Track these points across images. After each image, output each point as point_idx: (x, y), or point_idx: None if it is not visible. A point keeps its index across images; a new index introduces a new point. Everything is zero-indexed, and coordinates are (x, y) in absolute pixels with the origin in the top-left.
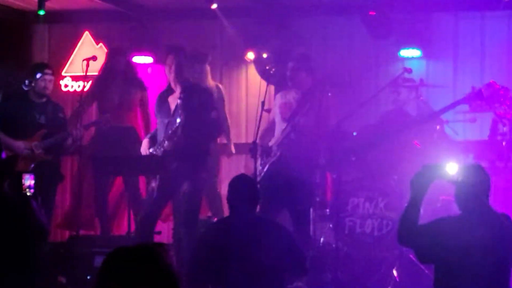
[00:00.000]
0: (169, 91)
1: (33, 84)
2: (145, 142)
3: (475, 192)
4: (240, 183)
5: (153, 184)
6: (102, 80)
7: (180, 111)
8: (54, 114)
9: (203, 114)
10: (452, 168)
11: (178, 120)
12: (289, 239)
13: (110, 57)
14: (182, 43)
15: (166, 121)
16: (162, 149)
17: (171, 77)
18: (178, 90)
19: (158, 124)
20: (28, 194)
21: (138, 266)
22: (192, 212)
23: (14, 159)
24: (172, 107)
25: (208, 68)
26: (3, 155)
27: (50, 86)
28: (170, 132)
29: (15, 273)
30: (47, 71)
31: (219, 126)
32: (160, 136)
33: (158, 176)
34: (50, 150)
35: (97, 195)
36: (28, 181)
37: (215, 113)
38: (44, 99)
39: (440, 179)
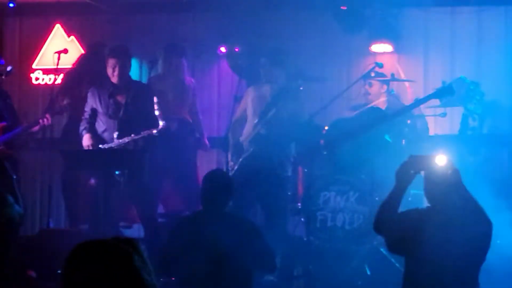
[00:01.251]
0: (113, 86)
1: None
2: (87, 137)
3: (444, 184)
4: (213, 178)
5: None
6: (74, 75)
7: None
8: (5, 102)
9: (148, 113)
10: (440, 160)
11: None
12: (259, 235)
13: (89, 53)
14: (155, 37)
15: (114, 117)
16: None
17: (114, 78)
18: (123, 88)
19: (101, 117)
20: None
21: (102, 262)
22: (149, 209)
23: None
24: (122, 102)
25: (184, 62)
26: None
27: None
28: (144, 135)
29: None
30: None
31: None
32: (107, 130)
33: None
34: (11, 144)
35: (65, 188)
36: None
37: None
38: None
39: (425, 171)
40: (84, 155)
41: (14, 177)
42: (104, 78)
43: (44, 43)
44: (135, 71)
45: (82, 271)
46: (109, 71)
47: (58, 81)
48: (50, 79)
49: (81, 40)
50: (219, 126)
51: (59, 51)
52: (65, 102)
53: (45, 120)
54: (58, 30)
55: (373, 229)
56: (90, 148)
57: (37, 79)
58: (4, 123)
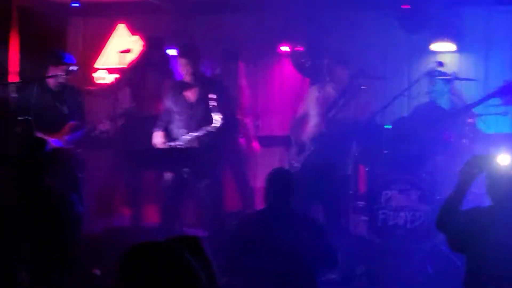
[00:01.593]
0: (185, 84)
1: (69, 76)
2: (159, 135)
3: (507, 183)
4: (276, 177)
5: (168, 177)
6: (137, 69)
7: (215, 113)
8: (74, 102)
9: (223, 112)
10: (503, 159)
11: (216, 122)
12: (321, 232)
13: (147, 47)
14: (216, 36)
15: (184, 114)
16: (183, 144)
17: (186, 77)
18: (194, 86)
19: (173, 114)
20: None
21: (154, 263)
22: (216, 207)
23: (59, 152)
24: (192, 100)
25: (241, 64)
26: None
27: (61, 76)
28: (203, 133)
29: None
30: (58, 62)
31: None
32: (177, 127)
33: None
34: (80, 142)
35: (129, 187)
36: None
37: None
38: (62, 87)
39: (487, 171)
40: (143, 155)
41: (79, 176)
42: (170, 74)
43: (107, 43)
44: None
45: (135, 273)
46: (181, 69)
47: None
48: (113, 78)
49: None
50: (281, 125)
51: (122, 51)
52: (127, 105)
53: (102, 125)
54: (121, 30)
55: (436, 227)
56: (159, 146)
57: (100, 78)
58: (73, 122)
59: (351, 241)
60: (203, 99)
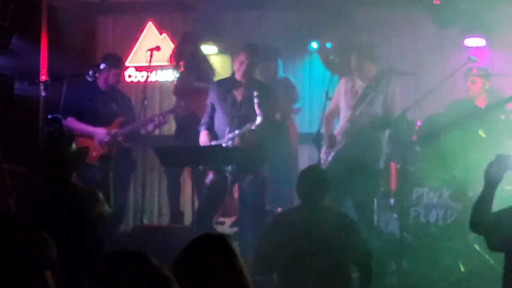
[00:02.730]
0: (234, 82)
1: (97, 75)
2: (204, 134)
3: None
4: (309, 174)
5: (210, 177)
6: (176, 65)
7: (257, 113)
8: (123, 102)
9: (270, 114)
10: None
11: (258, 120)
12: (357, 230)
13: (181, 42)
14: (246, 34)
15: (229, 113)
16: (228, 144)
17: (239, 73)
18: (243, 86)
19: (218, 113)
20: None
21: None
22: (259, 204)
23: (85, 151)
24: (238, 99)
25: (279, 62)
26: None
27: (118, 78)
28: (244, 131)
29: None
30: (111, 63)
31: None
32: (221, 126)
33: (214, 169)
34: (129, 137)
35: (168, 186)
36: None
37: (279, 115)
38: (112, 88)
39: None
40: (175, 152)
41: (111, 175)
42: (209, 70)
43: (136, 41)
44: (227, 67)
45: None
46: (236, 65)
47: (151, 78)
48: (142, 76)
49: (173, 38)
50: (311, 121)
51: (151, 49)
52: (181, 103)
53: (160, 118)
54: (150, 28)
55: (471, 230)
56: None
57: (129, 76)
58: (121, 118)
59: (382, 239)
60: (249, 98)
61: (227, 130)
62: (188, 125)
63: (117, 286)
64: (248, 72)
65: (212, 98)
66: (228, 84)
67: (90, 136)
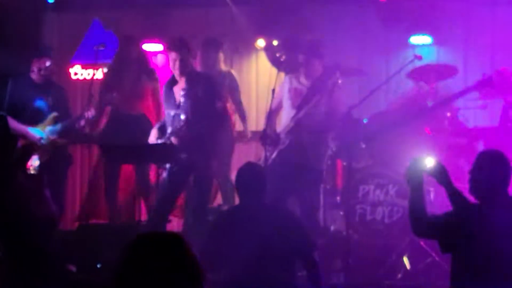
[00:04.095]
0: (174, 82)
1: (34, 70)
2: (153, 132)
3: (491, 180)
4: (247, 171)
5: (164, 175)
6: (115, 69)
7: (184, 104)
8: (59, 95)
9: (208, 105)
10: (429, 161)
11: (182, 117)
12: (295, 225)
13: (122, 45)
14: (193, 31)
15: (172, 113)
16: (169, 142)
17: (175, 72)
18: (182, 81)
19: (166, 115)
20: (33, 172)
21: (167, 253)
22: (201, 202)
23: (30, 148)
24: (177, 98)
25: (221, 55)
26: (19, 145)
27: (49, 68)
28: (176, 127)
29: (24, 263)
30: (42, 53)
31: (225, 115)
32: (167, 127)
33: (168, 167)
34: (64, 134)
35: (106, 183)
36: (35, 161)
37: (220, 103)
38: (46, 82)
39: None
40: (121, 150)
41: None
42: (149, 71)
43: (83, 39)
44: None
45: (143, 266)
46: (171, 64)
47: (97, 76)
48: (88, 74)
49: (119, 35)
50: (257, 119)
51: (97, 46)
52: (114, 94)
53: (89, 112)
54: (96, 25)
55: (417, 236)
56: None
57: (76, 74)
58: (55, 114)
59: (328, 236)
60: (188, 95)
61: (169, 128)
62: (124, 126)
63: (148, 268)
64: (183, 67)
65: (162, 97)
66: (169, 84)
67: (24, 137)
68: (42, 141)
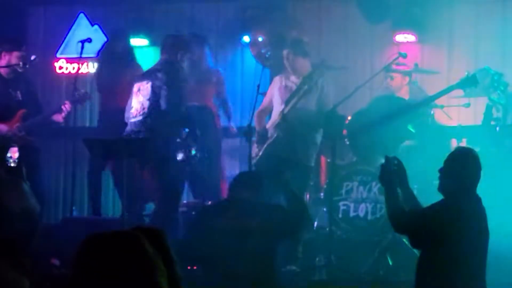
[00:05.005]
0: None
1: (27, 66)
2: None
3: (461, 177)
4: (242, 181)
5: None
6: (101, 63)
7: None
8: (28, 89)
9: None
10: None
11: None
12: (276, 207)
13: (109, 40)
14: (178, 26)
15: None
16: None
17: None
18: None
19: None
20: (13, 165)
21: (111, 253)
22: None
23: (7, 141)
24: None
25: (207, 51)
26: None
27: (17, 61)
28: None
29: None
30: (12, 48)
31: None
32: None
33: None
34: (33, 131)
35: (89, 176)
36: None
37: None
38: (14, 75)
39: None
40: (104, 144)
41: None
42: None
43: (68, 32)
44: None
45: (91, 262)
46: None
47: (82, 70)
48: (73, 68)
49: (105, 29)
50: (242, 115)
51: (82, 40)
52: (83, 90)
53: (66, 106)
54: (82, 19)
55: (396, 232)
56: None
57: (60, 68)
58: (23, 110)
59: (312, 232)
60: (153, 90)
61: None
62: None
63: (102, 268)
64: (162, 62)
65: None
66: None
67: None
68: (8, 135)
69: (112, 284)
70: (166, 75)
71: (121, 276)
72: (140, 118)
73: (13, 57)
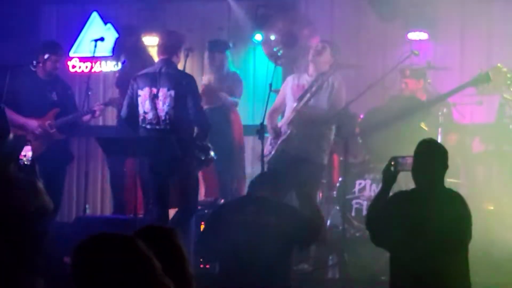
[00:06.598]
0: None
1: (40, 64)
2: None
3: (430, 167)
4: (263, 180)
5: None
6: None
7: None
8: (64, 92)
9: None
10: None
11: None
12: (296, 212)
13: (122, 35)
14: (190, 25)
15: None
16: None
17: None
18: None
19: None
20: (26, 163)
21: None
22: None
23: (23, 140)
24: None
25: (228, 55)
26: (11, 136)
27: (57, 65)
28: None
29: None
30: (54, 51)
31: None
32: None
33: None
34: (64, 129)
35: (111, 176)
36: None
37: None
38: (52, 77)
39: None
40: (118, 142)
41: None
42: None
43: (81, 31)
44: None
45: (86, 266)
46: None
47: (95, 69)
48: (86, 67)
49: (118, 28)
50: (255, 113)
51: (96, 39)
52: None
53: (98, 108)
54: (95, 18)
55: (366, 228)
56: None
57: (73, 67)
58: (57, 109)
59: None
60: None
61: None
62: None
63: (99, 271)
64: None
65: None
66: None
67: (21, 128)
68: (39, 131)
69: (107, 285)
70: (190, 84)
71: (114, 277)
72: (162, 126)
73: (52, 61)
